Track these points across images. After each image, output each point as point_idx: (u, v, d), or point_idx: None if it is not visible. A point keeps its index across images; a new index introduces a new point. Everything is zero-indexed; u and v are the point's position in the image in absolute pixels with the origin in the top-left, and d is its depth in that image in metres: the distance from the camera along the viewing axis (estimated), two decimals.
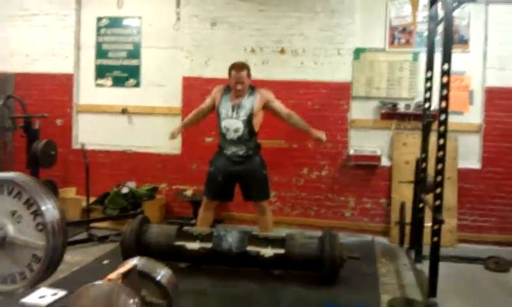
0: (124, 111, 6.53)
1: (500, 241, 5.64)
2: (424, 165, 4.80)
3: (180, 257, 4.31)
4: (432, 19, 4.76)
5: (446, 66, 3.75)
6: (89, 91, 6.72)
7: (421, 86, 5.34)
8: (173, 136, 5.03)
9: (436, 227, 3.78)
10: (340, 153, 6.06)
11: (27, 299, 2.59)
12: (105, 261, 4.66)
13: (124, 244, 4.28)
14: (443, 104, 3.78)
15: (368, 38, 6.05)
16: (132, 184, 6.21)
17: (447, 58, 3.75)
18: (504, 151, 5.72)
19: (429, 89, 4.83)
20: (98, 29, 6.66)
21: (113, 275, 2.51)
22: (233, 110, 4.66)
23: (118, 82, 6.62)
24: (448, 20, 3.79)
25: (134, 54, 6.58)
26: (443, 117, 3.78)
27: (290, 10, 6.12)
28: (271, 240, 4.28)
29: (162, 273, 2.75)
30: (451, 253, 5.10)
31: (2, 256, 3.02)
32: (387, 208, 5.96)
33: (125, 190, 6.00)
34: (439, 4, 4.67)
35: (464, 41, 5.81)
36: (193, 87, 6.28)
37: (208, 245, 4.26)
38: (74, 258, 4.63)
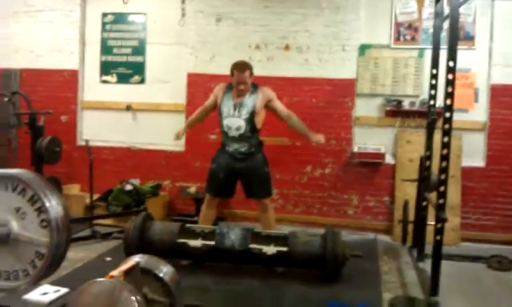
0: (128, 108, 6.54)
1: (503, 240, 5.62)
2: (428, 163, 4.78)
3: (183, 254, 4.32)
4: (438, 15, 4.74)
5: (451, 63, 3.73)
6: (94, 87, 6.73)
7: (426, 83, 5.32)
8: (178, 137, 5.05)
9: (439, 225, 3.77)
10: (344, 151, 6.05)
11: (29, 296, 2.60)
12: (108, 258, 4.67)
13: (127, 240, 4.29)
14: (448, 102, 3.75)
15: (373, 34, 6.02)
16: (135, 181, 6.22)
17: (452, 55, 3.73)
18: (508, 149, 5.69)
19: (434, 87, 4.81)
20: (104, 25, 6.67)
21: (116, 272, 2.52)
22: (235, 109, 4.65)
23: (123, 78, 6.62)
24: (454, 17, 3.76)
25: (139, 50, 6.58)
26: (448, 114, 3.75)
27: (295, 6, 6.11)
28: (273, 238, 4.29)
29: (165, 270, 2.76)
30: (454, 252, 5.09)
31: (6, 253, 3.04)
32: (390, 206, 5.95)
33: (128, 187, 6.02)
34: (445, 1, 4.64)
35: (469, 38, 5.77)
36: (198, 84, 6.28)
37: (211, 242, 4.27)
38: (77, 255, 4.65)
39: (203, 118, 5.10)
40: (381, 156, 5.89)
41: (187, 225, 4.51)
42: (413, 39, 5.93)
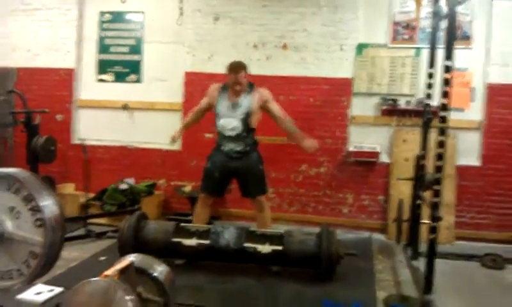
0: (125, 107, 6.53)
1: (498, 239, 5.65)
2: (423, 162, 4.79)
3: (178, 253, 4.33)
4: (436, 15, 4.73)
5: (448, 63, 3.73)
6: (90, 86, 6.72)
7: (423, 82, 5.32)
8: (173, 140, 5.04)
9: (433, 224, 3.78)
10: (339, 150, 6.07)
11: (23, 295, 2.61)
12: (102, 258, 4.67)
13: (121, 240, 4.29)
14: (444, 101, 3.76)
15: (371, 33, 6.03)
16: (130, 180, 6.23)
17: (449, 54, 3.73)
18: (504, 149, 5.71)
19: (430, 86, 4.82)
20: (101, 23, 6.67)
21: (110, 272, 2.53)
22: (230, 109, 4.65)
23: (120, 77, 6.62)
24: (452, 16, 3.77)
25: (136, 49, 6.58)
26: (443, 114, 3.76)
27: (293, 5, 6.12)
28: (268, 237, 4.30)
29: (159, 269, 2.77)
30: (448, 250, 5.11)
31: (0, 252, 3.04)
32: (385, 205, 5.98)
33: (123, 186, 6.02)
34: (443, 0, 4.65)
35: (467, 38, 5.78)
36: (195, 83, 6.28)
37: (206, 241, 4.28)
38: (71, 254, 4.65)
39: (199, 119, 5.09)
40: (376, 155, 5.92)
41: (182, 224, 4.52)
42: (410, 38, 5.94)
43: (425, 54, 5.54)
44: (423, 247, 4.26)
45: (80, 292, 2.44)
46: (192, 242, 4.29)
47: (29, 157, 5.75)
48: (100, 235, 5.38)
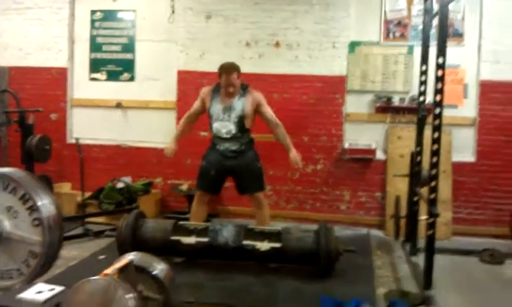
0: (118, 105, 6.50)
1: (495, 233, 5.67)
2: (418, 158, 4.81)
3: (176, 251, 4.32)
4: (427, 12, 4.77)
5: (441, 60, 3.76)
6: (83, 85, 6.67)
7: (416, 79, 5.34)
8: (168, 154, 4.92)
9: (431, 220, 3.80)
10: (335, 147, 6.07)
11: (24, 295, 2.59)
12: (102, 256, 4.65)
13: (120, 238, 4.28)
14: (438, 98, 3.79)
15: (363, 31, 6.04)
16: (127, 179, 6.20)
17: (441, 52, 3.76)
18: (498, 145, 5.74)
19: (423, 83, 4.85)
20: (93, 22, 6.61)
21: (109, 270, 2.52)
22: (224, 113, 4.62)
23: (113, 76, 6.58)
24: (443, 14, 3.80)
25: (129, 47, 6.54)
26: (437, 110, 3.79)
27: (285, 3, 6.11)
28: (267, 234, 4.30)
29: (159, 267, 2.76)
30: (446, 246, 5.11)
31: None
32: (382, 201, 5.99)
33: (120, 185, 5.99)
34: None
35: (459, 35, 5.81)
36: (188, 81, 6.26)
37: (205, 239, 4.27)
38: (70, 253, 4.63)
39: (192, 124, 5.02)
40: (372, 152, 5.92)
41: (180, 222, 4.51)
42: (402, 36, 5.96)
43: (417, 51, 5.56)
44: (421, 242, 4.28)
45: (81, 291, 2.42)
46: (190, 240, 4.27)
47: (24, 156, 5.71)
48: (99, 234, 5.36)
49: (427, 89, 4.79)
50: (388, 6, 5.95)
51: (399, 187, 5.52)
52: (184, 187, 6.11)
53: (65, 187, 6.47)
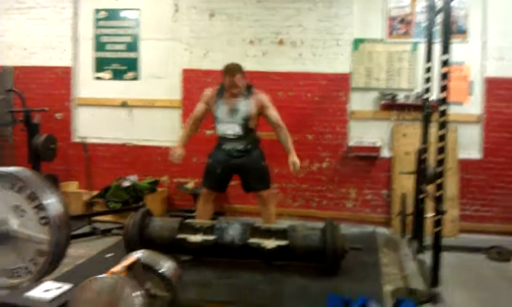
0: (124, 104, 6.50)
1: (502, 231, 5.65)
2: (424, 156, 4.80)
3: (183, 250, 4.31)
4: (431, 9, 4.75)
5: (445, 57, 3.75)
6: (88, 84, 6.67)
7: (420, 76, 5.34)
8: (175, 159, 4.85)
9: (437, 217, 3.79)
10: (340, 145, 6.06)
11: (31, 293, 2.58)
12: (109, 255, 4.65)
13: (127, 236, 4.28)
14: (443, 95, 3.77)
15: (366, 28, 6.02)
16: (133, 177, 6.20)
17: (445, 48, 3.75)
18: (504, 142, 5.72)
19: (428, 80, 4.84)
20: (96, 21, 6.61)
21: (117, 268, 2.52)
22: (229, 115, 4.63)
23: (117, 75, 6.58)
24: (447, 10, 3.79)
25: (133, 46, 6.54)
26: (443, 107, 3.78)
27: (288, 1, 6.10)
28: (273, 232, 4.29)
29: (166, 265, 2.77)
30: (453, 243, 5.10)
31: (7, 251, 3.01)
32: (388, 199, 5.97)
33: (126, 183, 5.99)
34: None
35: (463, 31, 5.79)
36: (193, 80, 6.27)
37: (211, 237, 4.27)
38: (77, 252, 4.63)
39: (197, 127, 4.97)
40: (377, 150, 5.91)
41: (187, 220, 4.51)
42: (406, 33, 5.94)
43: (421, 48, 5.57)
44: (428, 240, 4.26)
45: (88, 289, 2.43)
46: (197, 238, 4.27)
47: (30, 155, 5.72)
48: (106, 232, 5.37)
49: (432, 86, 4.77)
50: (392, 2, 5.94)
51: (404, 184, 5.50)
52: (190, 185, 6.11)
53: (72, 186, 6.48)
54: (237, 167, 4.76)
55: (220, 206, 5.98)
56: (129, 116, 6.55)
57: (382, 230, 5.83)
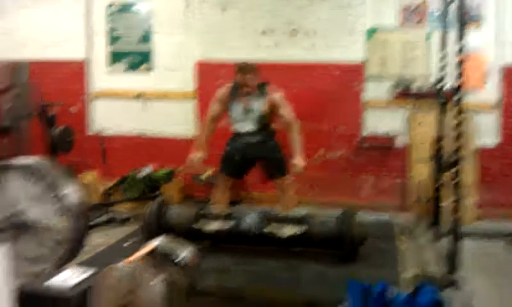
0: (139, 96, 6.53)
1: None
2: (440, 143, 4.77)
3: (200, 238, 4.31)
4: None
5: (460, 45, 3.72)
6: (102, 77, 6.71)
7: (435, 65, 5.28)
8: (195, 163, 4.89)
9: (456, 204, 3.77)
10: (354, 135, 6.04)
11: (52, 281, 2.60)
12: (128, 243, 4.67)
13: (145, 225, 4.32)
14: (459, 82, 3.75)
15: (380, 17, 5.99)
16: (149, 168, 6.22)
17: (460, 36, 3.72)
18: None
19: (443, 68, 4.81)
20: (109, 14, 6.64)
21: (136, 256, 2.54)
22: (244, 114, 4.71)
23: (131, 67, 6.61)
24: None
25: (146, 39, 6.56)
26: (458, 95, 3.75)
27: None
28: (290, 220, 4.27)
29: (185, 252, 2.77)
30: (471, 230, 5.04)
31: (27, 240, 3.06)
32: (404, 186, 5.93)
33: (142, 174, 6.04)
34: None
35: (477, 18, 5.74)
36: (206, 72, 6.28)
37: (228, 226, 4.28)
38: (96, 240, 4.62)
39: (215, 127, 4.94)
40: (392, 139, 5.90)
41: (204, 209, 4.54)
42: (420, 21, 5.90)
43: (435, 36, 5.53)
44: (445, 227, 4.23)
45: (108, 276, 2.45)
46: (214, 226, 4.29)
47: (48, 147, 5.78)
48: (124, 221, 5.42)
49: (447, 74, 4.73)
50: None
51: (421, 172, 5.47)
52: (205, 175, 6.06)
53: (89, 177, 6.48)
54: (253, 157, 4.82)
55: (237, 195, 5.96)
56: (144, 108, 6.57)
57: (399, 217, 5.79)
